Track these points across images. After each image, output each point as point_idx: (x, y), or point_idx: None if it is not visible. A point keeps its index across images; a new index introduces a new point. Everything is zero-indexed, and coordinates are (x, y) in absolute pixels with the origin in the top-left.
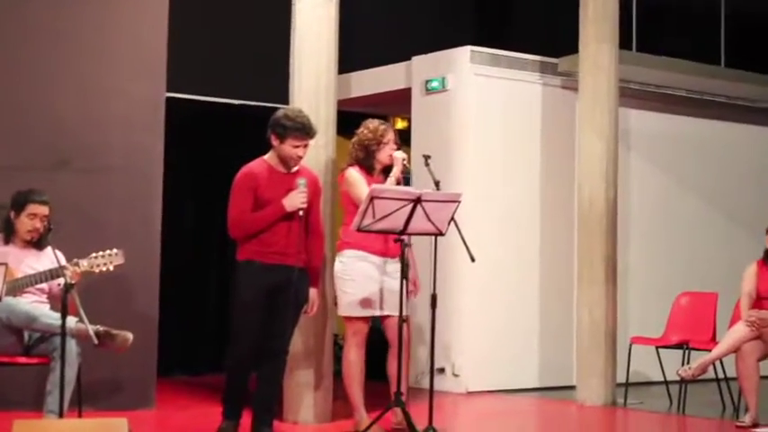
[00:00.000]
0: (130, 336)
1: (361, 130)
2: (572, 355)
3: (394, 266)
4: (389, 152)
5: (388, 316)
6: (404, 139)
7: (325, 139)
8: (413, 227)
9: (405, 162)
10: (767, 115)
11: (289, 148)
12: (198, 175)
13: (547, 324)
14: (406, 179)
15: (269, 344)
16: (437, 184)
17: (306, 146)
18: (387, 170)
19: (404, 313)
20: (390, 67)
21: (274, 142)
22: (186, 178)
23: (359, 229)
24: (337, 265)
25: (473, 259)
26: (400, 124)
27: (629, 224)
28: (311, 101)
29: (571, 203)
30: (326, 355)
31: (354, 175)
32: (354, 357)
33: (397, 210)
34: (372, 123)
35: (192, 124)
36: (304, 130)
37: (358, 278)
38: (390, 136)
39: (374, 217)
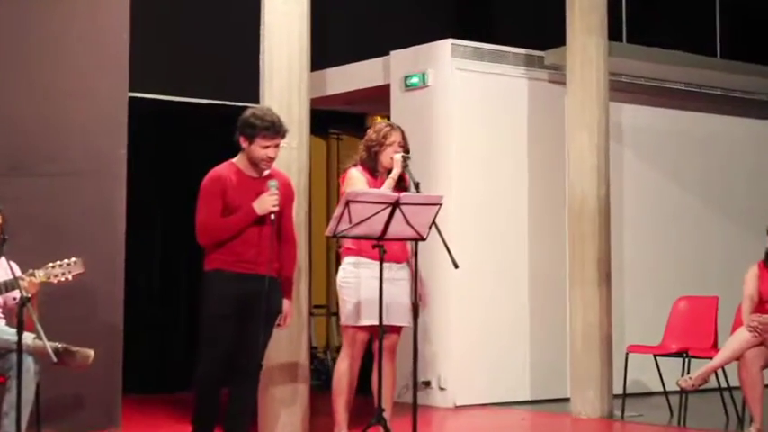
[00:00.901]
0: (91, 352)
1: (368, 131)
2: (565, 366)
3: (399, 272)
4: (391, 154)
5: (392, 327)
6: None
7: (299, 140)
8: (392, 232)
9: (404, 164)
10: (766, 108)
11: (258, 148)
12: (164, 179)
13: (538, 332)
14: (416, 184)
15: (240, 358)
16: (417, 185)
17: (277, 146)
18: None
19: (407, 324)
20: (367, 62)
21: (243, 144)
22: (152, 183)
23: (334, 235)
24: (340, 273)
25: (456, 265)
26: (378, 121)
27: (623, 223)
28: (283, 99)
29: (561, 203)
30: (303, 370)
31: (354, 174)
32: (344, 369)
33: (375, 214)
34: (378, 125)
35: (158, 125)
36: (273, 129)
37: (356, 285)
38: (394, 138)
39: (350, 222)
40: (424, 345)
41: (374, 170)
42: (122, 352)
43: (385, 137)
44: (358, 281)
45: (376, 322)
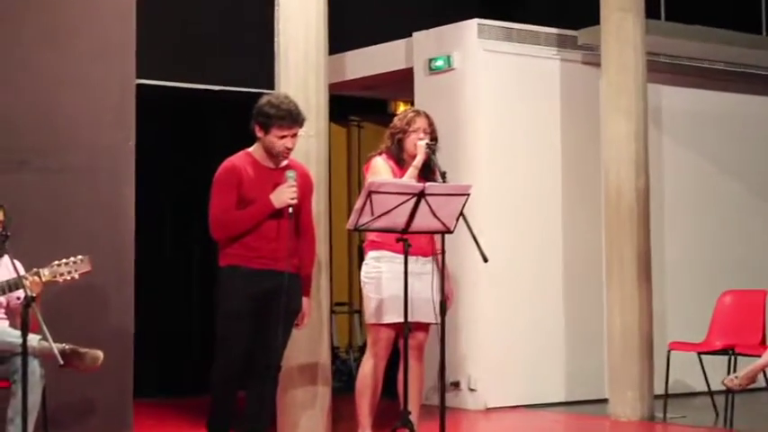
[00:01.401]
0: (101, 354)
1: (395, 118)
2: (603, 365)
3: (425, 266)
4: (416, 141)
5: (419, 324)
6: None
7: (316, 128)
8: (417, 224)
9: (428, 151)
10: None
11: (275, 139)
12: (175, 170)
13: (573, 330)
14: (442, 173)
15: (258, 359)
16: (443, 175)
17: (294, 135)
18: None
19: (434, 321)
20: (389, 44)
21: (259, 133)
22: (162, 175)
23: (355, 229)
24: (363, 268)
25: (486, 259)
26: (402, 109)
27: (664, 215)
28: (299, 85)
29: (597, 193)
30: (324, 371)
31: (379, 163)
32: (369, 370)
33: (399, 205)
34: (404, 111)
35: (168, 114)
36: (291, 118)
37: (379, 281)
38: (419, 124)
39: (372, 214)
40: (452, 344)
41: (400, 159)
42: (133, 353)
43: (409, 123)
44: (381, 276)
45: (401, 319)
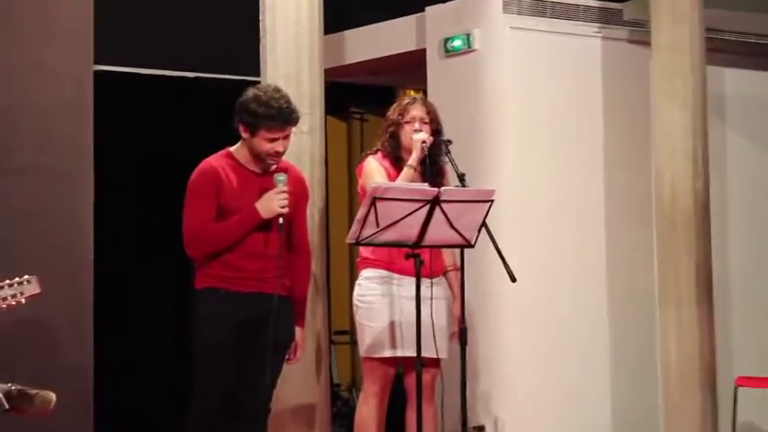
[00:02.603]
0: (53, 396)
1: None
2: (657, 402)
3: (433, 289)
4: (411, 135)
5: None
6: None
7: (310, 123)
8: (431, 237)
9: (425, 146)
10: None
11: (263, 141)
12: (142, 173)
13: (621, 361)
14: (460, 175)
15: (243, 401)
16: (462, 177)
17: (287, 137)
18: (425, 160)
19: (436, 354)
20: (396, 21)
21: (244, 134)
22: (126, 178)
23: (357, 242)
24: (356, 289)
25: (514, 279)
26: None
27: (727, 222)
28: (289, 71)
29: (648, 196)
30: (322, 414)
31: (371, 165)
32: (368, 413)
33: (409, 215)
34: (402, 98)
35: (132, 106)
36: (282, 117)
37: (379, 306)
38: (415, 112)
39: (378, 225)
40: (474, 380)
41: (396, 157)
42: (92, 395)
43: (402, 112)
44: (375, 300)
45: (403, 353)
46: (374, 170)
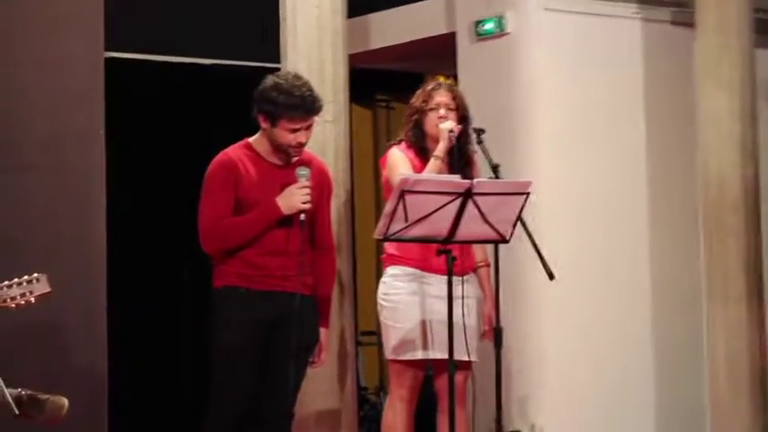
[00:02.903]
0: (65, 401)
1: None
2: (704, 403)
3: (462, 288)
4: (436, 122)
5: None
6: None
7: (334, 112)
8: (463, 232)
9: (452, 135)
10: None
11: (284, 132)
12: (157, 166)
13: (666, 360)
14: (494, 167)
15: (265, 405)
16: (495, 168)
17: (309, 127)
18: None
19: (467, 357)
20: (424, 4)
21: (264, 125)
22: (141, 171)
23: (385, 238)
24: (380, 288)
25: (552, 276)
26: None
27: None
28: (311, 57)
29: (693, 187)
30: (348, 418)
31: (396, 155)
32: (394, 418)
33: (440, 208)
34: (426, 84)
35: (147, 96)
36: (304, 107)
37: (405, 306)
38: (439, 98)
39: (407, 220)
40: (510, 383)
41: (421, 147)
42: (107, 400)
43: (426, 99)
44: (401, 299)
45: (432, 356)
46: (399, 161)
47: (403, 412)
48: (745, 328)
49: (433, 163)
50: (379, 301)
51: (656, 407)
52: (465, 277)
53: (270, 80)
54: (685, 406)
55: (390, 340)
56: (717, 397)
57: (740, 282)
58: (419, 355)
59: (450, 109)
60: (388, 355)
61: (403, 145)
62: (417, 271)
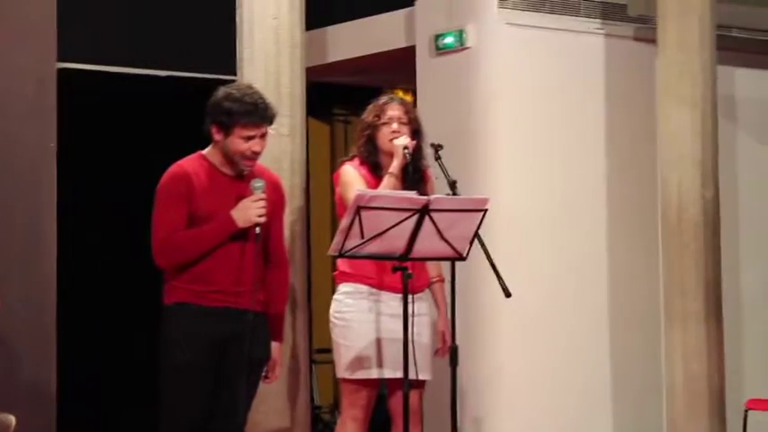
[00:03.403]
0: (12, 419)
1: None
2: (662, 426)
3: (416, 306)
4: (390, 137)
5: (401, 381)
6: None
7: (290, 125)
8: (419, 249)
9: (407, 152)
10: None
11: (238, 141)
12: (109, 178)
13: (624, 382)
14: (451, 183)
15: (217, 424)
16: (453, 185)
17: (263, 136)
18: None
19: (417, 375)
20: (384, 16)
21: (217, 136)
22: (92, 184)
23: (340, 255)
24: (333, 305)
25: (508, 294)
26: None
27: (738, 234)
28: (268, 69)
29: (653, 206)
30: None
31: (349, 172)
32: None
33: (396, 224)
34: (378, 99)
35: (98, 106)
36: (258, 114)
37: (358, 324)
38: (392, 112)
39: (362, 236)
40: (467, 404)
41: (374, 164)
42: (56, 419)
43: (378, 114)
44: (353, 317)
45: (383, 375)
46: (352, 178)
47: None
48: (704, 350)
49: (387, 180)
50: (332, 319)
51: (614, 428)
52: (418, 295)
53: (221, 91)
54: (644, 425)
55: (342, 359)
56: (675, 419)
57: (699, 302)
58: (373, 374)
59: (402, 123)
60: (341, 374)
61: (356, 161)
62: (370, 288)
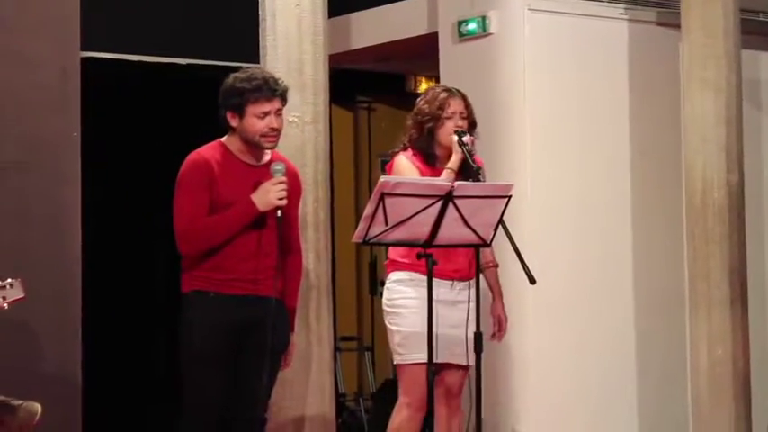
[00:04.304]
0: (38, 407)
1: (418, 101)
2: (687, 411)
3: (463, 293)
4: (451, 131)
5: (450, 365)
6: None
7: (314, 112)
8: (443, 236)
9: (468, 147)
10: None
11: (254, 120)
12: (132, 167)
13: (649, 368)
14: (476, 169)
15: (238, 411)
16: (477, 171)
17: (278, 112)
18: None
19: (466, 361)
20: (406, 3)
21: (233, 121)
22: (115, 173)
23: (365, 242)
24: (384, 294)
25: (533, 281)
26: (424, 86)
27: (764, 218)
28: (291, 57)
29: (677, 190)
30: (327, 425)
31: (404, 163)
32: (401, 423)
33: (420, 211)
34: (432, 91)
35: (122, 96)
36: (267, 87)
37: (408, 310)
38: (454, 108)
39: (386, 223)
40: (491, 392)
41: (429, 155)
42: (81, 406)
43: (442, 107)
44: (408, 304)
45: (443, 359)
46: (406, 171)
47: (408, 418)
48: (729, 335)
49: (446, 175)
50: (385, 307)
51: (638, 416)
52: (469, 281)
53: (230, 78)
54: (668, 414)
55: (400, 345)
56: (699, 405)
57: (724, 288)
58: (425, 358)
59: (463, 118)
60: (398, 359)
61: (409, 152)
62: (421, 276)
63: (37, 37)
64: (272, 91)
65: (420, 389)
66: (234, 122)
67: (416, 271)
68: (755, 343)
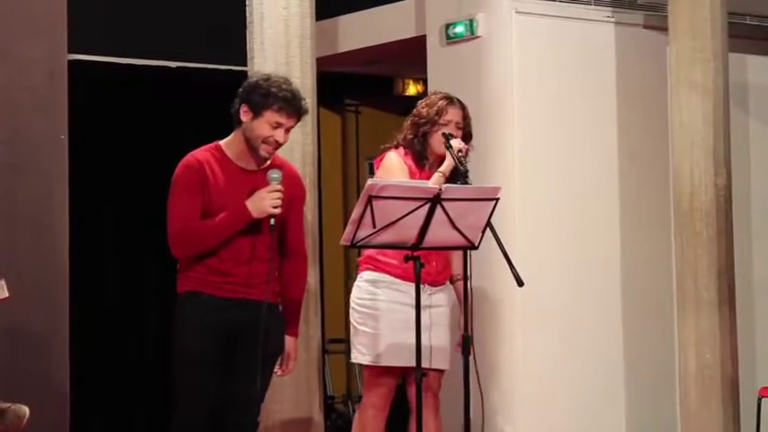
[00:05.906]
0: (26, 410)
1: (418, 103)
2: (675, 415)
3: (436, 297)
4: (442, 138)
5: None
6: None
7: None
8: (431, 238)
9: (461, 155)
10: None
11: (265, 125)
12: (121, 170)
13: (637, 371)
14: (464, 172)
15: (229, 415)
16: (465, 174)
17: (288, 130)
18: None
19: (447, 366)
20: (394, 6)
21: (245, 116)
22: (104, 176)
23: (352, 245)
24: (354, 292)
25: (521, 283)
26: (412, 89)
27: (751, 222)
28: (279, 60)
29: (665, 193)
30: (316, 428)
31: (393, 161)
32: (367, 423)
33: (408, 214)
34: (434, 96)
35: (110, 98)
36: (294, 103)
37: (377, 311)
38: (451, 116)
39: (374, 226)
40: (478, 394)
41: (421, 157)
42: (69, 409)
43: (439, 113)
44: (377, 305)
45: (404, 363)
46: (396, 168)
47: (374, 419)
48: (717, 337)
49: (437, 178)
50: (353, 304)
51: (627, 416)
52: (441, 286)
53: (259, 74)
54: (657, 416)
55: (363, 346)
56: (688, 407)
57: (712, 290)
58: (393, 361)
59: (459, 128)
60: (360, 360)
61: (401, 150)
62: (393, 278)
63: (25, 39)
64: (297, 109)
65: (383, 389)
66: (245, 117)
67: (389, 273)
68: (743, 345)
